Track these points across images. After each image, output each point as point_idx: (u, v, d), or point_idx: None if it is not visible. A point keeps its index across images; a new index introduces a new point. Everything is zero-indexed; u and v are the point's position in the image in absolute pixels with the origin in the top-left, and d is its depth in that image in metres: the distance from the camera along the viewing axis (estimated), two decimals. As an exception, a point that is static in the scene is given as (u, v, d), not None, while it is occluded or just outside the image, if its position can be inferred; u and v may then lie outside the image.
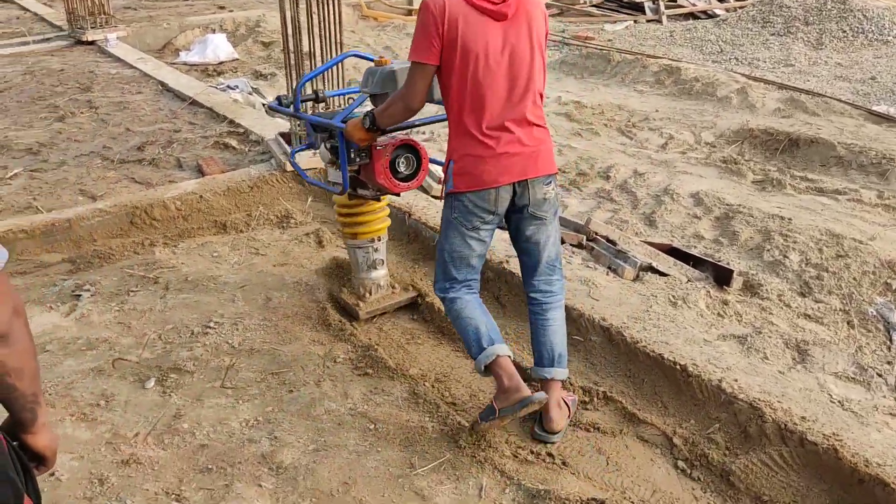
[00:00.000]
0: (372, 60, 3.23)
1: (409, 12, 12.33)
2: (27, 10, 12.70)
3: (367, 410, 2.97)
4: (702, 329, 3.35)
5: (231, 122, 6.44)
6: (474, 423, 2.81)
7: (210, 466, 2.69)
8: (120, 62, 8.93)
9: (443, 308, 3.60)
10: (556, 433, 2.83)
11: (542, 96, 2.76)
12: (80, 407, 3.01)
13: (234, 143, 5.98)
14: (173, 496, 2.56)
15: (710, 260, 4.11)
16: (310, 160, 5.22)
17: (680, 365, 2.99)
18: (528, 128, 2.71)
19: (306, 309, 3.70)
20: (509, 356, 2.79)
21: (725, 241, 4.60)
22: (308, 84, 3.62)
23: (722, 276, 3.96)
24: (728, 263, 4.19)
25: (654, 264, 3.95)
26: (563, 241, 4.18)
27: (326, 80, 5.44)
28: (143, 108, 7.11)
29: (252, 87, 7.98)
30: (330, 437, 2.82)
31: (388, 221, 3.69)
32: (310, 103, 3.64)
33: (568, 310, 3.42)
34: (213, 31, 10.85)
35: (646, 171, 5.73)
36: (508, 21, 2.61)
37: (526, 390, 2.68)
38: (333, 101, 4.20)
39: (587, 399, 3.04)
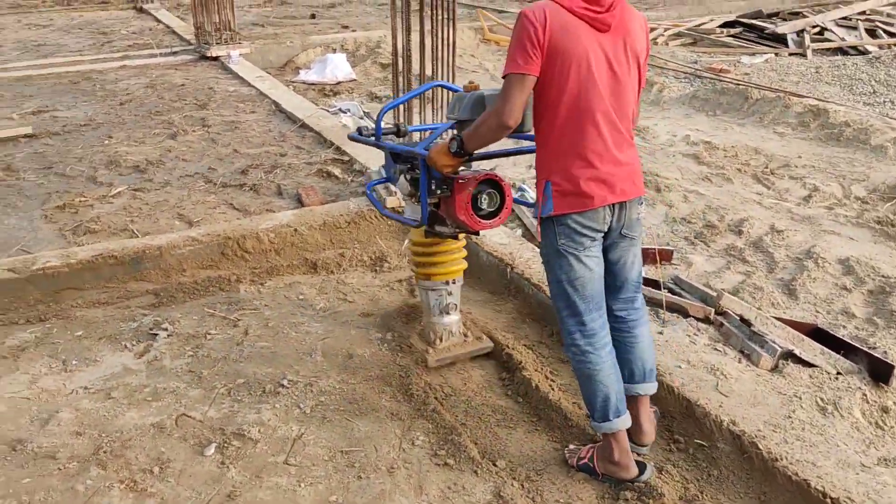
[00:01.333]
0: (457, 91, 3.00)
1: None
2: (160, 21, 13.13)
3: (444, 514, 2.55)
4: (858, 447, 2.74)
5: (337, 148, 6.21)
6: (569, 456, 2.84)
7: (257, 567, 2.34)
8: (239, 79, 8.95)
9: (540, 384, 3.18)
10: (647, 445, 2.85)
11: (635, 116, 2.64)
12: (131, 472, 2.73)
13: (337, 171, 5.73)
14: None
15: (864, 349, 3.45)
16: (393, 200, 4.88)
17: (831, 498, 2.41)
18: (627, 146, 2.57)
19: (388, 372, 3.32)
20: (627, 427, 2.71)
21: (881, 323, 3.92)
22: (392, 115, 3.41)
23: (879, 371, 3.31)
24: (885, 353, 3.52)
25: (797, 351, 3.35)
26: (687, 315, 3.64)
27: (435, 113, 5.12)
28: (254, 129, 7.00)
29: (364, 112, 7.77)
30: (397, 546, 2.42)
31: (465, 264, 3.51)
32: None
33: (691, 406, 2.90)
34: (334, 50, 10.81)
35: (785, 228, 5.07)
36: (609, 32, 2.48)
37: (634, 471, 2.68)
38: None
39: (709, 527, 2.51)
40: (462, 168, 2.90)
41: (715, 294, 3.70)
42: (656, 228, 5.34)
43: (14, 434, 2.95)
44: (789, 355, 3.35)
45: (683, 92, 8.95)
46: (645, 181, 6.13)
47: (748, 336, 3.42)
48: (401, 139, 3.41)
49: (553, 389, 3.23)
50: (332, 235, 4.74)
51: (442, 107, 5.36)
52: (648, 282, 4.04)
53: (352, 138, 3.38)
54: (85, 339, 3.63)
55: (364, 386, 3.23)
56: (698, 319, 3.62)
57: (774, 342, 3.36)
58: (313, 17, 13.46)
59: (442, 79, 5.54)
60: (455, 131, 2.86)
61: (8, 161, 6.22)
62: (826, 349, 3.43)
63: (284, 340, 3.58)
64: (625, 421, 2.67)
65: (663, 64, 10.21)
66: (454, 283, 3.43)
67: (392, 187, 4.94)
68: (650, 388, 2.83)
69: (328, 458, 2.81)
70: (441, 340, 3.47)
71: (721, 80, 8.95)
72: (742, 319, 3.53)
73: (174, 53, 10.54)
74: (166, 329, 3.69)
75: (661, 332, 3.41)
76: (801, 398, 2.97)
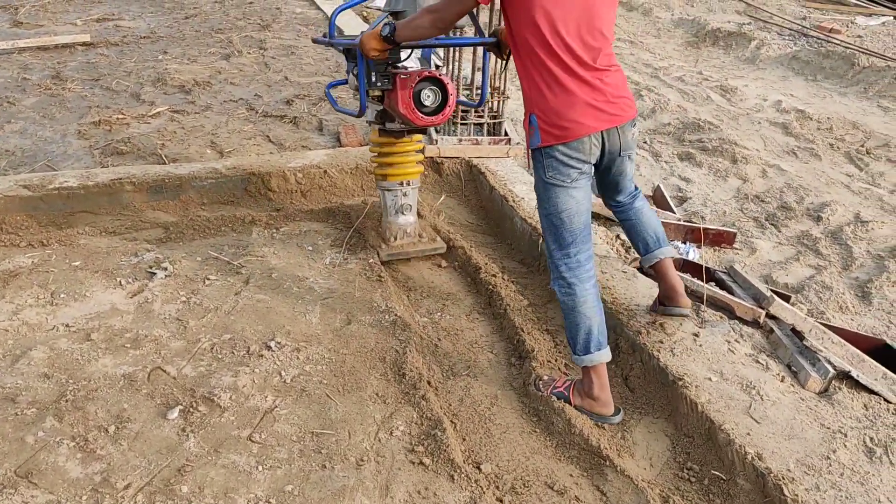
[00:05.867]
0: None
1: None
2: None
3: (405, 524, 2.26)
4: (905, 507, 2.30)
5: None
6: (538, 384, 2.82)
7: (189, 559, 2.11)
8: (309, 0, 8.61)
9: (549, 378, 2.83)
10: (686, 307, 3.03)
11: (611, 38, 2.55)
12: (86, 428, 2.53)
13: (384, 110, 5.38)
14: None
15: (938, 377, 2.95)
16: (453, 147, 4.50)
17: (859, 572, 2.01)
18: (609, 71, 2.50)
19: (384, 347, 3.02)
20: (608, 361, 2.70)
21: (966, 345, 3.38)
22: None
23: (952, 408, 2.82)
24: (964, 384, 3.01)
25: (854, 373, 2.88)
26: (733, 315, 3.20)
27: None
28: (310, 56, 6.69)
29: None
30: (344, 556, 2.14)
31: (421, 168, 3.71)
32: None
33: (714, 428, 2.51)
34: (414, -24, 10.30)
35: (871, 220, 4.49)
36: None
37: (611, 408, 2.71)
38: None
39: (708, 581, 2.14)
40: (409, 67, 3.13)
41: (769, 295, 3.23)
42: (723, 205, 4.83)
43: (-19, 369, 2.80)
44: (845, 376, 2.89)
45: (784, 51, 8.15)
46: (721, 149, 5.57)
47: (799, 350, 2.96)
48: None
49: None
50: (364, 181, 4.42)
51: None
52: (694, 269, 3.60)
53: (314, 40, 3.49)
54: (80, 271, 3.45)
55: (355, 358, 2.94)
56: (745, 322, 3.18)
57: (829, 361, 2.90)
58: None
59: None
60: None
61: (59, 69, 6.11)
62: (891, 373, 2.95)
63: (284, 295, 3.32)
64: (605, 355, 2.67)
65: (767, 17, 9.35)
66: (409, 184, 3.64)
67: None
68: (668, 250, 2.97)
69: (296, 438, 2.54)
70: (395, 238, 3.71)
71: (829, 41, 8.10)
72: (793, 331, 3.07)
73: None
74: (166, 269, 3.48)
75: (696, 335, 2.98)
76: (846, 434, 2.53)
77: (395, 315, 3.20)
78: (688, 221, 4.44)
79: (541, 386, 2.80)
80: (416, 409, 2.68)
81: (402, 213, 3.69)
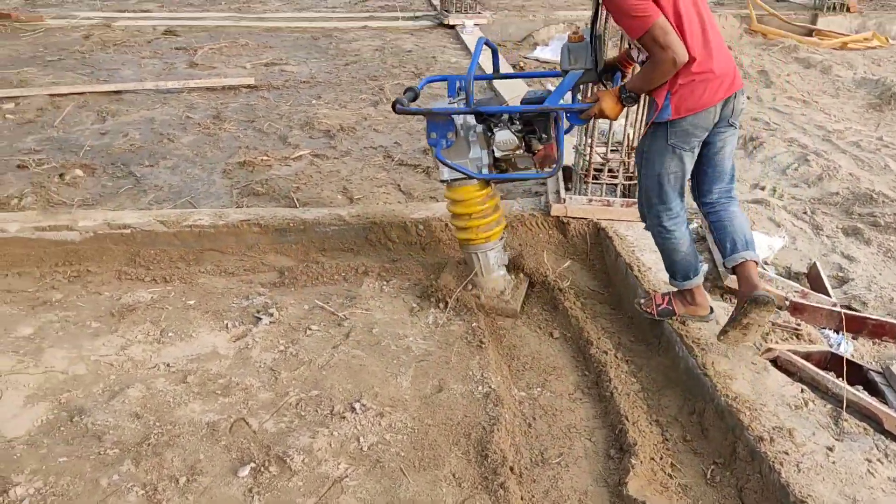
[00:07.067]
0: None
1: (810, 32, 10.39)
2: (418, -15, 13.24)
3: None
4: None
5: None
6: (644, 305, 3.26)
7: None
8: (465, 51, 8.67)
9: (651, 481, 2.51)
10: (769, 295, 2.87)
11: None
12: (159, 476, 2.51)
13: (519, 164, 5.21)
14: None
15: None
16: (582, 208, 4.26)
17: None
18: (725, 48, 2.82)
19: (471, 421, 2.81)
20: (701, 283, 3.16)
21: None
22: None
23: None
24: None
25: None
26: (880, 427, 2.73)
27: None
28: (456, 105, 6.68)
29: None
30: None
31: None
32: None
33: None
34: (578, 27, 10.17)
35: None
36: None
37: (707, 309, 3.17)
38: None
39: None
40: None
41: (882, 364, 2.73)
42: (892, 291, 4.24)
43: (80, 402, 2.88)
44: None
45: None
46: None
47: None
48: (415, 102, 3.45)
49: (667, 489, 2.54)
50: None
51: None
52: (840, 365, 3.13)
53: (401, 111, 3.29)
54: (193, 311, 3.52)
55: (438, 431, 2.76)
56: (894, 437, 2.69)
57: None
58: (568, -10, 12.83)
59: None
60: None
61: (220, 109, 6.46)
62: None
63: (380, 354, 3.20)
64: (700, 278, 3.12)
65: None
66: (504, 237, 3.68)
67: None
68: (753, 254, 2.95)
69: (359, 516, 2.39)
70: (505, 292, 3.65)
71: None
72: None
73: (416, 18, 10.51)
74: (272, 315, 3.47)
75: (830, 449, 2.55)
76: None
77: (490, 387, 2.99)
78: (845, 307, 3.93)
79: (642, 304, 3.26)
80: (493, 499, 2.45)
81: (504, 264, 3.71)
